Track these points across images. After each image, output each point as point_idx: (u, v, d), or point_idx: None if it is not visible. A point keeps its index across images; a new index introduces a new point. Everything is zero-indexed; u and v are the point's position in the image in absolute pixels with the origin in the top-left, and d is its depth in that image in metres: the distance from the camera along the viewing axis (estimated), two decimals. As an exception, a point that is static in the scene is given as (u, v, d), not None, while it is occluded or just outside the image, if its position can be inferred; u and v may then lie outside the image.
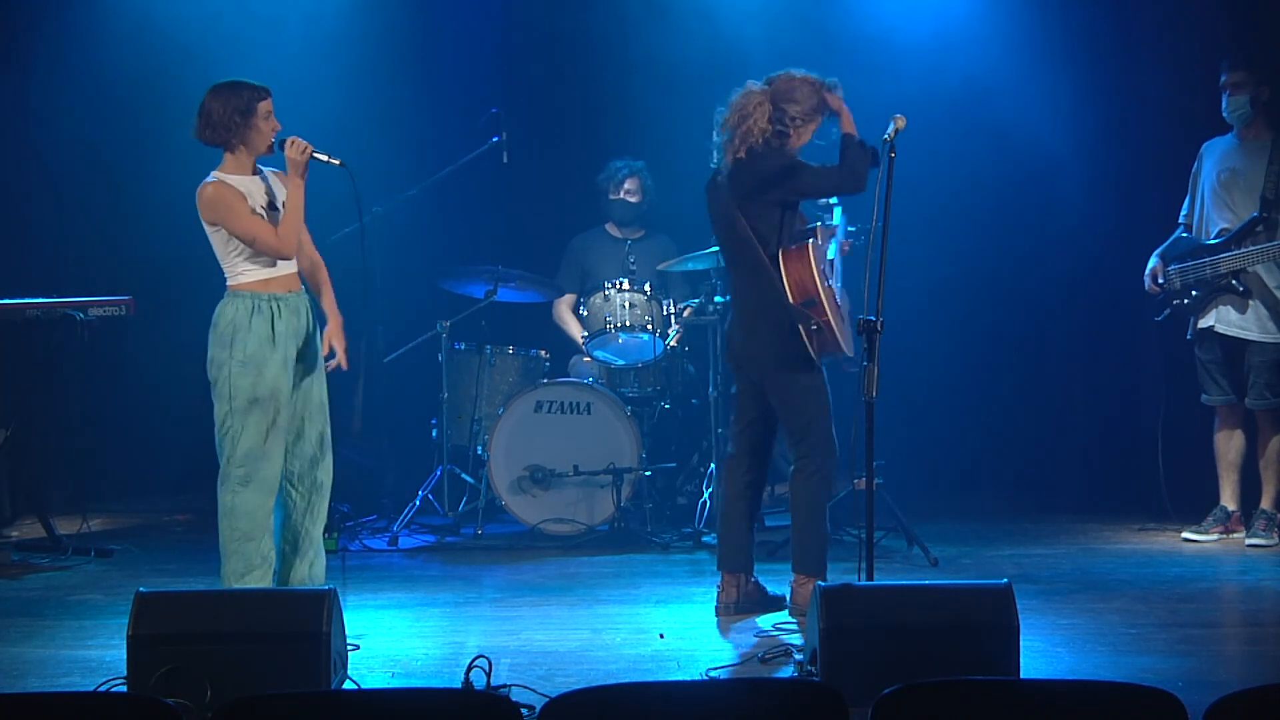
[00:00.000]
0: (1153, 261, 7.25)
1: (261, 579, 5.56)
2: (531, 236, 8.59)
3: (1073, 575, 6.52)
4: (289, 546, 5.69)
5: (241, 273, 5.59)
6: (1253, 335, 7.01)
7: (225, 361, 5.54)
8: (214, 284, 5.71)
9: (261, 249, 5.55)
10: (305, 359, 5.68)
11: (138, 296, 7.22)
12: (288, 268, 5.64)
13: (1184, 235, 7.22)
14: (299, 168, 5.59)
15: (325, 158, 5.66)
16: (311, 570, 5.71)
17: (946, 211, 8.29)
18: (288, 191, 5.62)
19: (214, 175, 5.57)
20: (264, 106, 5.58)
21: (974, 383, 8.50)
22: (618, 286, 7.58)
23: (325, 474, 5.74)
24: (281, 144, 5.60)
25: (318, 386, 5.73)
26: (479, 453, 7.63)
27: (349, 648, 5.08)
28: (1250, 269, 6.97)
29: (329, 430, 5.77)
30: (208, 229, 5.59)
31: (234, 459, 5.55)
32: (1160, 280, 7.21)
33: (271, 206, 5.63)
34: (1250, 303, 6.99)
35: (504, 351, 7.81)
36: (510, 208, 8.58)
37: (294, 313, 5.64)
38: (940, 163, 8.07)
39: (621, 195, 8.09)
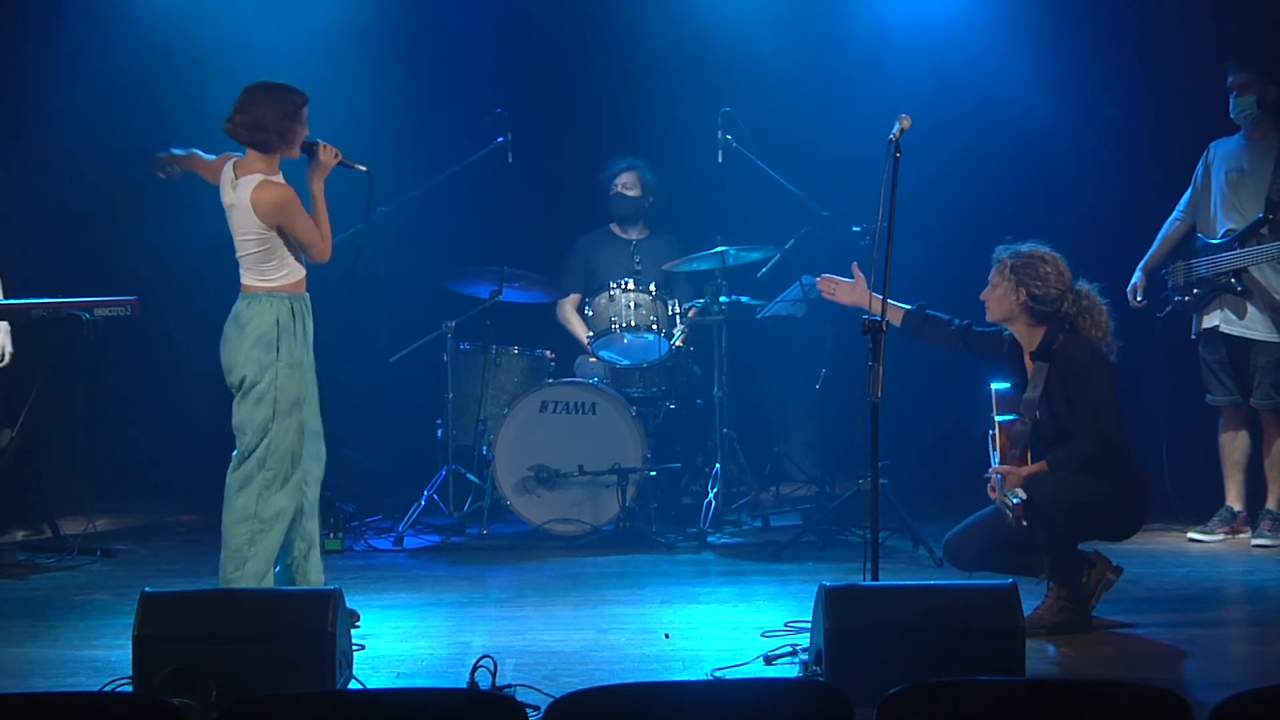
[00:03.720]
0: (1136, 276, 7.29)
1: (269, 579, 5.59)
2: (536, 237, 8.60)
3: (1078, 575, 6.51)
4: (305, 545, 5.67)
5: (283, 274, 5.58)
6: (1258, 335, 7.01)
7: (271, 364, 5.50)
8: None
9: (314, 254, 5.58)
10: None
11: (142, 297, 7.23)
12: (305, 269, 5.66)
13: (1169, 232, 7.24)
14: (326, 172, 5.60)
15: (352, 163, 5.67)
16: (317, 567, 5.72)
17: (952, 211, 8.29)
18: (314, 196, 5.61)
19: (273, 176, 5.54)
20: (305, 111, 5.60)
21: (979, 383, 8.48)
22: (623, 287, 7.58)
23: (322, 470, 5.76)
24: (309, 147, 5.60)
25: (315, 382, 5.76)
26: (484, 453, 7.63)
27: (354, 647, 5.08)
28: (1251, 269, 6.97)
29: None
30: (262, 229, 5.51)
31: (268, 462, 5.51)
32: (1140, 297, 7.25)
33: None
34: (1250, 303, 7.00)
35: (509, 351, 7.81)
36: (515, 208, 8.59)
37: (310, 312, 5.68)
38: (945, 162, 8.07)
39: (619, 189, 8.11)
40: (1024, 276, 5.67)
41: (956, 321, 5.98)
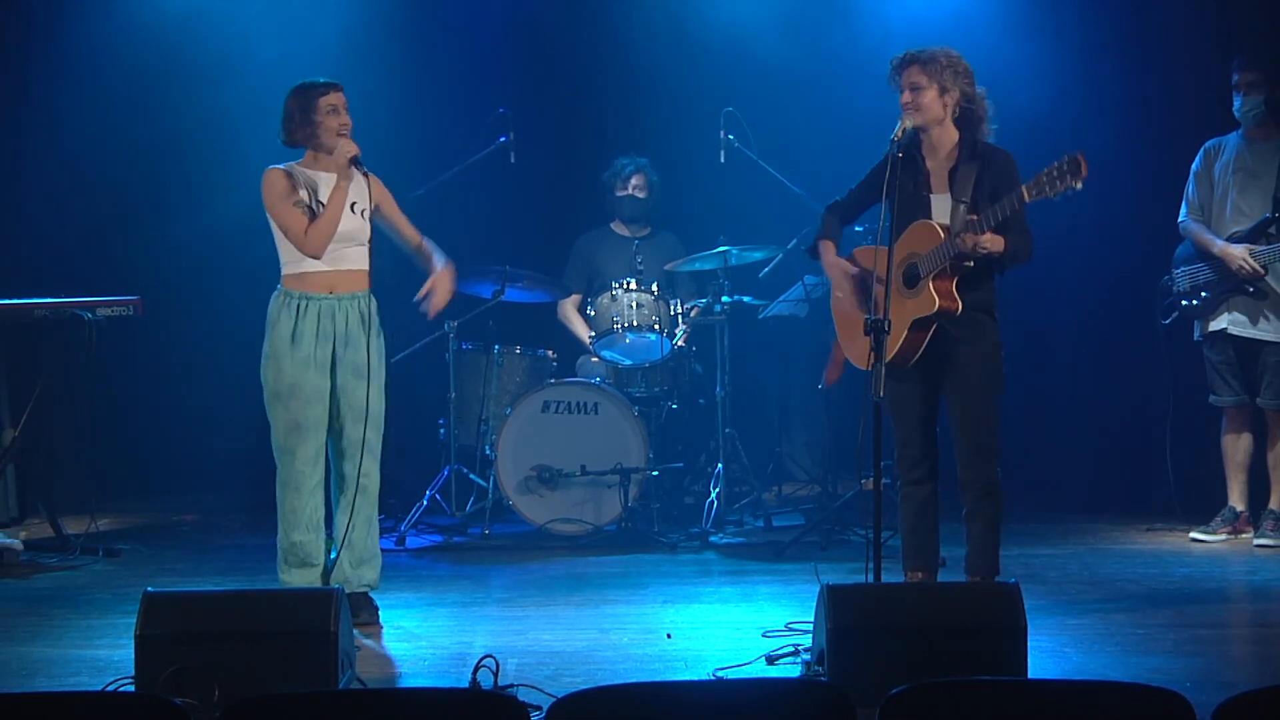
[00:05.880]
0: (1235, 248, 6.94)
1: (296, 577, 5.63)
2: (539, 236, 8.60)
3: (1080, 575, 6.52)
4: (350, 554, 5.72)
5: (285, 266, 5.67)
6: (1268, 336, 7.00)
7: (262, 354, 5.65)
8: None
9: (295, 245, 5.60)
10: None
11: (145, 296, 7.23)
12: (320, 265, 5.64)
13: (1196, 227, 7.17)
14: (340, 166, 5.61)
15: (360, 167, 5.65)
16: (358, 572, 5.72)
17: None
18: (330, 192, 5.63)
19: (274, 165, 5.64)
20: (324, 102, 5.67)
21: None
22: (625, 286, 7.58)
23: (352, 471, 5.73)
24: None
25: (361, 390, 5.68)
26: (486, 453, 7.63)
27: (356, 647, 5.09)
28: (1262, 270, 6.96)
29: (369, 434, 5.70)
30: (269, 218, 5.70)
31: (273, 449, 5.65)
32: (1251, 253, 6.93)
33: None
34: (1262, 304, 6.98)
35: (511, 351, 7.81)
36: (517, 208, 8.59)
37: (333, 314, 5.66)
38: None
39: (629, 191, 8.11)
40: (960, 75, 5.42)
41: (835, 208, 5.73)
